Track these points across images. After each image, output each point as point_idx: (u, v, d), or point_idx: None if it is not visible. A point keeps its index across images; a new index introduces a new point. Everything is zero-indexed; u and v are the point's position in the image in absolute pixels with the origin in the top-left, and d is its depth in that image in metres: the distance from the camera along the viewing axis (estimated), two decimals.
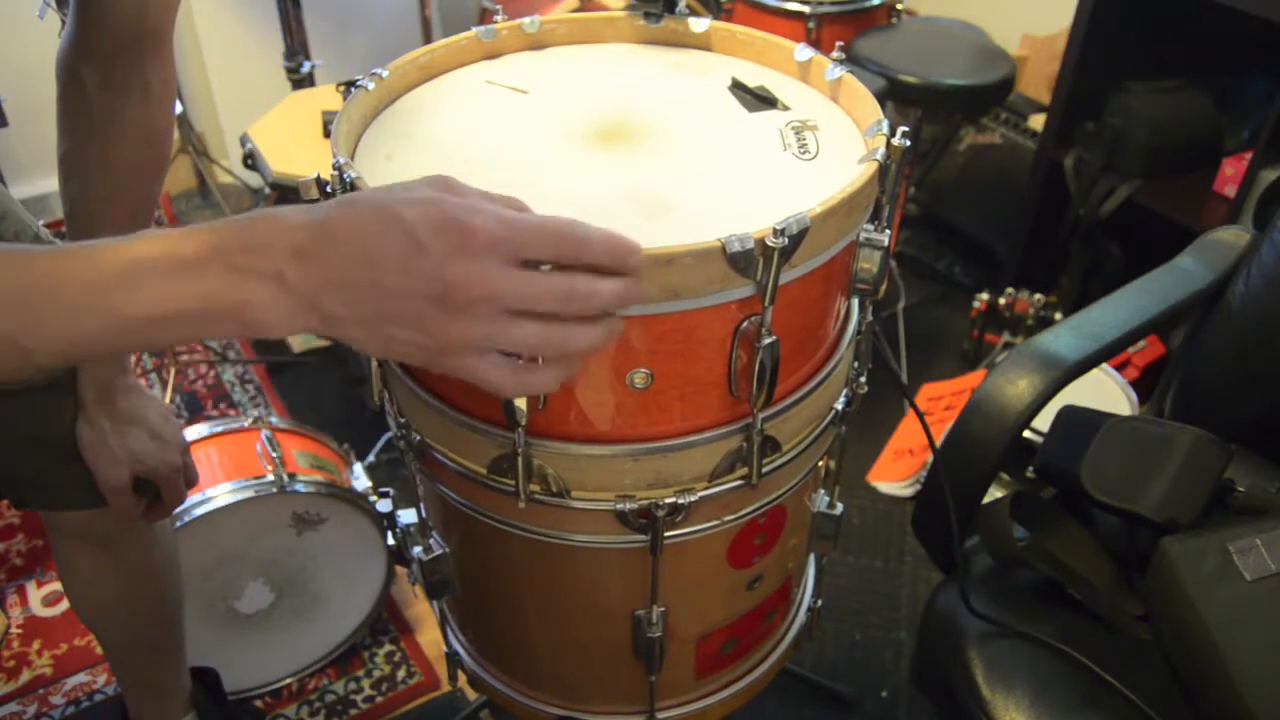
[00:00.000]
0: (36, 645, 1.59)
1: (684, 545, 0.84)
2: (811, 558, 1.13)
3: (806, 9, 2.07)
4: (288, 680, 1.54)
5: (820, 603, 1.13)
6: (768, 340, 0.72)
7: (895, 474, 1.92)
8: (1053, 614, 1.04)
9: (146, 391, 1.01)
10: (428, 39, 2.77)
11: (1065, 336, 1.12)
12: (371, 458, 1.88)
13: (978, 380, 1.81)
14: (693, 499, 0.80)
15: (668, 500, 0.79)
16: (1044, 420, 1.08)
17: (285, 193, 1.60)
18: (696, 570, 0.89)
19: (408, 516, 1.03)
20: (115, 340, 0.51)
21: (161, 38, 0.86)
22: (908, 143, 0.78)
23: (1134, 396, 1.75)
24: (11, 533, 1.76)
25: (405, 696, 1.53)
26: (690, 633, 0.94)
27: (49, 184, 2.42)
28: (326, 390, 2.11)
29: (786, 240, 0.67)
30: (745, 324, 0.73)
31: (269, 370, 2.17)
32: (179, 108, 2.47)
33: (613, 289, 0.55)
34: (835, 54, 0.91)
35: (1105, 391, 1.77)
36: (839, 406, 0.90)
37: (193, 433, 1.43)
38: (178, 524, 1.27)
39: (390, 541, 1.05)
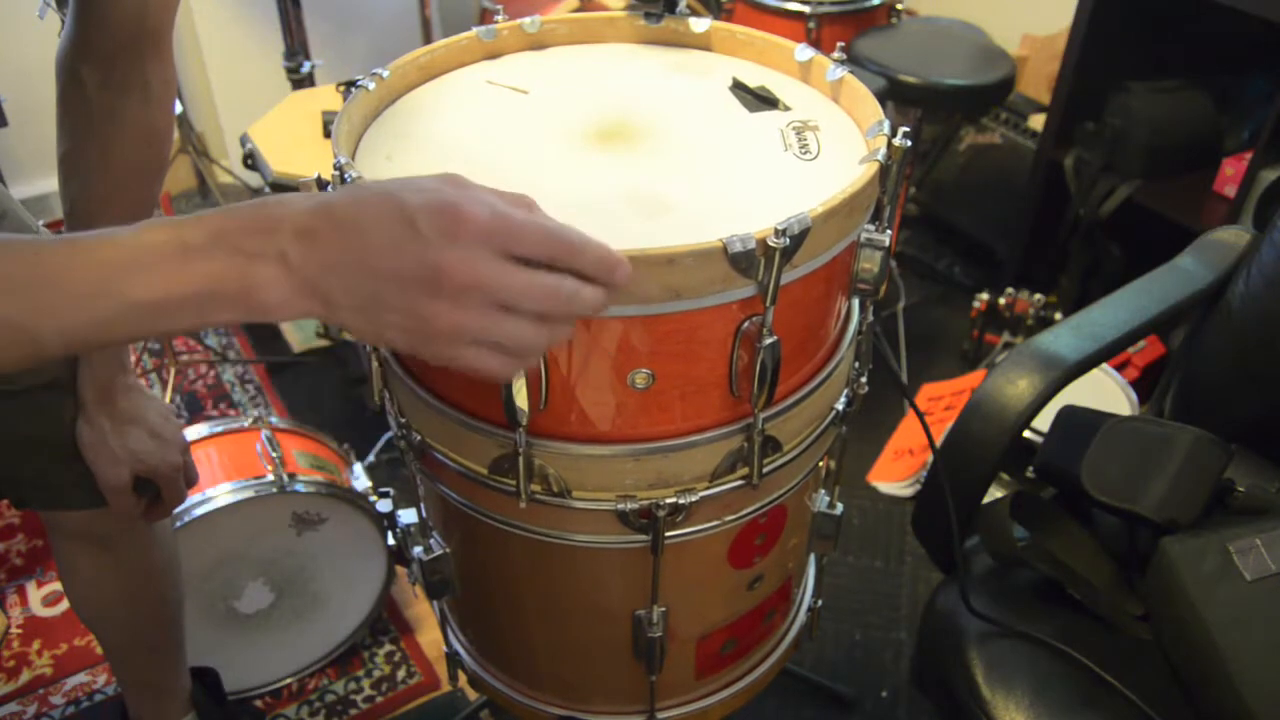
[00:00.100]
0: (36, 645, 1.59)
1: (685, 545, 0.84)
2: (812, 558, 1.13)
3: (807, 9, 2.07)
4: (288, 680, 1.54)
5: (820, 603, 1.13)
6: (769, 340, 0.72)
7: (895, 474, 1.92)
8: (1053, 614, 1.04)
9: (146, 391, 1.01)
10: (428, 39, 2.77)
11: (1065, 336, 1.12)
12: (371, 458, 1.88)
13: (978, 380, 1.81)
14: (693, 499, 0.80)
15: (668, 500, 0.79)
16: (1044, 420, 1.08)
17: (285, 193, 1.60)
18: (697, 570, 0.89)
19: (408, 516, 1.03)
20: (124, 326, 0.52)
21: (161, 37, 0.86)
22: (908, 143, 0.78)
23: (1134, 396, 1.75)
24: (11, 533, 1.76)
25: (405, 696, 1.53)
26: (690, 633, 0.94)
27: (49, 184, 2.42)
28: (326, 390, 2.11)
29: (788, 240, 0.67)
30: (746, 324, 0.73)
31: (269, 370, 2.17)
32: (179, 108, 2.47)
33: (594, 297, 0.56)
34: (836, 54, 0.91)
35: (1105, 391, 1.77)
36: (840, 406, 0.90)
37: (193, 433, 1.43)
38: (178, 524, 1.27)
39: (390, 541, 1.05)
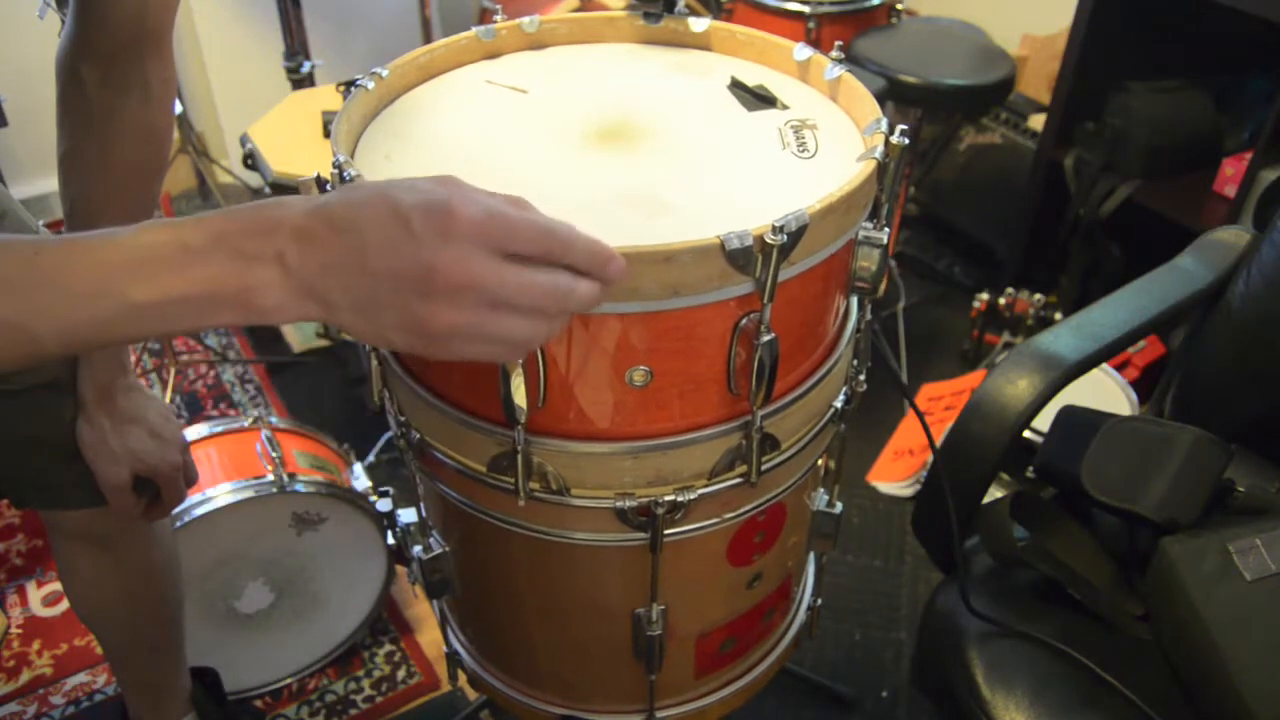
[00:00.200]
0: (36, 645, 1.59)
1: (684, 543, 0.84)
2: (811, 556, 1.13)
3: (806, 9, 2.07)
4: (288, 680, 1.54)
5: (820, 602, 1.13)
6: (767, 337, 0.72)
7: (895, 474, 1.92)
8: (1053, 614, 1.04)
9: (146, 391, 1.01)
10: (428, 39, 2.77)
11: (1065, 336, 1.12)
12: (371, 458, 1.88)
13: (978, 380, 1.81)
14: (692, 497, 0.80)
15: (667, 498, 0.79)
16: (1044, 420, 1.08)
17: (285, 193, 1.60)
18: (696, 568, 0.89)
19: (408, 516, 1.03)
20: (123, 327, 0.52)
21: (161, 37, 0.86)
22: (906, 141, 0.78)
23: (1134, 396, 1.75)
24: (11, 533, 1.76)
25: (405, 696, 1.53)
26: (690, 631, 0.94)
27: (49, 184, 2.42)
28: (326, 390, 2.12)
29: (785, 237, 0.67)
30: (744, 321, 0.73)
31: (269, 370, 2.17)
32: (179, 108, 2.47)
33: (588, 291, 0.56)
34: (834, 53, 0.91)
35: (1105, 391, 1.77)
36: (838, 404, 0.90)
37: (193, 433, 1.43)
38: (178, 524, 1.27)
39: (390, 541, 1.05)
